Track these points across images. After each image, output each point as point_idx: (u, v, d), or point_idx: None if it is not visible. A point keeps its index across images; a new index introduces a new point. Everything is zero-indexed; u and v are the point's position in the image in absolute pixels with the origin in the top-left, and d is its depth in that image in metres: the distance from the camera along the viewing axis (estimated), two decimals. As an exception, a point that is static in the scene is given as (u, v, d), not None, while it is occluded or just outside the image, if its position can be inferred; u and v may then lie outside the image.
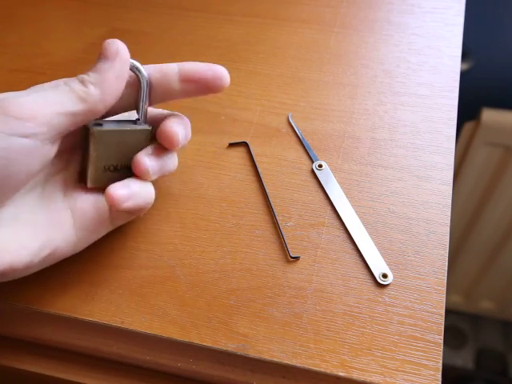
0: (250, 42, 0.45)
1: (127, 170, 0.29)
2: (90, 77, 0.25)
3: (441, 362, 0.26)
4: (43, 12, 0.50)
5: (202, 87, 0.28)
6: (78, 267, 0.30)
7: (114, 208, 0.27)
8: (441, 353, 0.26)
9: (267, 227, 0.32)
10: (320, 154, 0.35)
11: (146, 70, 0.28)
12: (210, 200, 0.33)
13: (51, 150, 0.25)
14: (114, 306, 0.28)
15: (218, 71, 0.28)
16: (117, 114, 0.29)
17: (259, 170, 0.34)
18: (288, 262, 0.30)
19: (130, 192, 0.27)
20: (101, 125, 0.27)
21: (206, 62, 0.43)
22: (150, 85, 0.28)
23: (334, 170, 0.34)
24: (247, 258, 0.30)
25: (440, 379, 0.25)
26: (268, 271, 0.29)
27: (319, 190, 0.33)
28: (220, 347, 0.27)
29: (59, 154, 0.27)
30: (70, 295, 0.29)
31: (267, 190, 0.33)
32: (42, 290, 0.29)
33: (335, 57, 0.43)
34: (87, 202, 0.27)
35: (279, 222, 0.31)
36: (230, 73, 0.42)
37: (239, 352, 0.26)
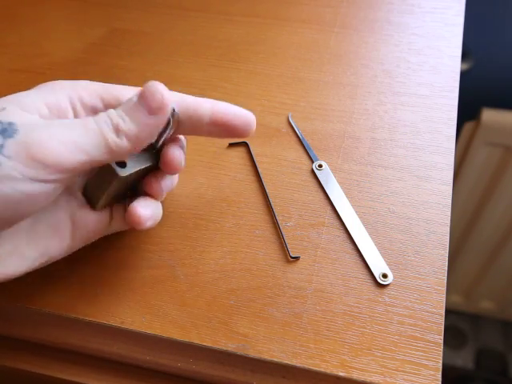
0: (250, 41, 0.45)
1: (132, 192, 0.29)
2: (125, 124, 0.23)
3: (441, 362, 0.26)
4: (43, 12, 0.50)
5: (230, 132, 0.28)
6: (78, 267, 0.30)
7: (137, 227, 0.27)
8: (441, 353, 0.26)
9: (267, 227, 0.32)
10: (320, 154, 0.35)
11: (181, 102, 0.26)
12: (210, 200, 0.33)
13: (62, 187, 0.24)
14: (114, 305, 0.28)
15: (249, 119, 0.28)
16: None
17: (259, 170, 0.34)
18: (288, 261, 0.30)
19: (151, 212, 0.27)
20: (124, 164, 0.26)
21: (206, 62, 0.43)
22: (179, 120, 0.27)
23: (334, 170, 0.34)
24: (247, 258, 0.30)
25: (440, 379, 0.25)
26: (268, 271, 0.29)
27: (319, 190, 0.33)
28: (220, 347, 0.27)
29: None
30: (70, 295, 0.29)
31: (267, 190, 0.33)
32: (42, 291, 0.29)
33: (335, 57, 0.43)
34: (90, 214, 0.27)
35: (279, 222, 0.31)
36: (229, 73, 0.43)
37: (239, 352, 0.26)
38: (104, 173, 0.26)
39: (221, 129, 0.27)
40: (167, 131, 0.27)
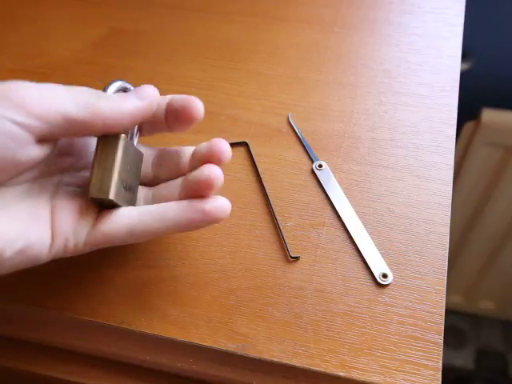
0: (250, 41, 0.45)
1: (133, 191, 0.28)
2: (107, 96, 0.25)
3: (441, 362, 0.26)
4: (43, 12, 0.50)
5: (180, 113, 0.28)
6: (78, 267, 0.30)
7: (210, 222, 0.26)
8: (441, 353, 0.26)
9: (267, 227, 0.32)
10: (320, 154, 0.35)
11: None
12: (209, 200, 0.33)
13: (41, 147, 0.24)
14: (114, 305, 0.28)
15: (194, 100, 0.28)
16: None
17: (259, 170, 0.34)
18: (288, 261, 0.30)
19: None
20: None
21: (206, 62, 0.43)
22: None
23: (334, 170, 0.34)
24: (247, 258, 0.30)
25: (440, 379, 0.25)
26: (268, 271, 0.29)
27: (319, 190, 0.33)
28: (220, 347, 0.27)
29: (58, 158, 0.27)
30: (69, 295, 0.29)
31: (267, 190, 0.33)
32: (41, 291, 0.29)
33: (335, 57, 0.43)
34: (67, 216, 0.26)
35: (279, 222, 0.31)
36: (229, 73, 0.43)
37: (239, 352, 0.26)
38: (104, 150, 0.26)
39: (174, 113, 0.28)
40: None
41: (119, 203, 0.26)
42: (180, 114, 0.28)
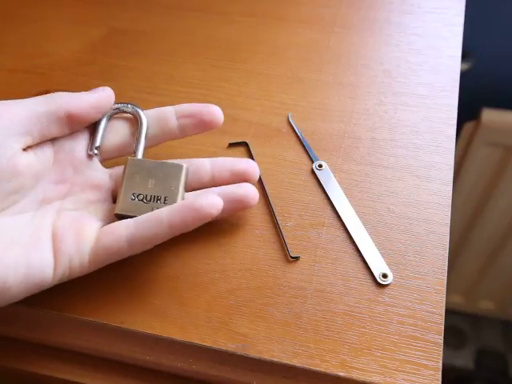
0: (250, 41, 0.45)
1: (157, 202, 0.29)
2: (66, 93, 0.28)
3: (441, 362, 0.26)
4: (43, 12, 0.50)
5: (198, 122, 0.31)
6: (77, 267, 0.30)
7: (206, 217, 0.26)
8: (441, 353, 0.26)
9: (267, 227, 0.32)
10: (320, 154, 0.35)
11: (145, 113, 0.31)
12: (209, 200, 0.33)
13: (28, 155, 0.26)
14: (114, 305, 0.28)
15: (212, 108, 0.31)
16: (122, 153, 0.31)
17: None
18: (288, 261, 0.30)
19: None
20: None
21: (206, 62, 0.43)
22: (147, 125, 0.31)
23: (334, 170, 0.34)
24: (247, 258, 0.30)
25: (440, 379, 0.25)
26: (268, 271, 0.29)
27: (319, 190, 0.33)
28: (220, 347, 0.27)
29: (55, 185, 0.29)
30: (69, 295, 0.29)
31: (267, 190, 0.33)
32: (41, 291, 0.29)
33: (335, 57, 0.43)
34: (69, 236, 0.27)
35: (279, 222, 0.31)
36: (229, 73, 0.43)
37: (239, 352, 0.26)
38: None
39: (188, 120, 0.31)
40: (141, 135, 0.31)
41: (131, 215, 0.28)
42: (205, 119, 0.31)
